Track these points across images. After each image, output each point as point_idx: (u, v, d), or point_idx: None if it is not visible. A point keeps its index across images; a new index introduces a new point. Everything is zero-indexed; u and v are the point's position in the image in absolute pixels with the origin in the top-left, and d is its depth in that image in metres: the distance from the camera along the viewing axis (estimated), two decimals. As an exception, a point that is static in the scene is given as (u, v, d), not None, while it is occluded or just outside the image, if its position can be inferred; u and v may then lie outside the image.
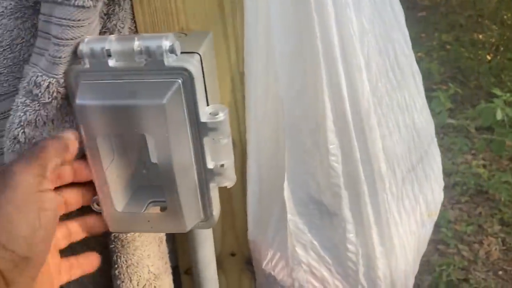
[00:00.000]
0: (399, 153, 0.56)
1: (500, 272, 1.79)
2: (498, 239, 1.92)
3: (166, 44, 0.37)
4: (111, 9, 0.43)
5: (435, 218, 0.64)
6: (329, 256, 0.59)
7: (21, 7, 0.42)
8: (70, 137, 0.41)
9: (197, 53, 0.42)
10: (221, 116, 0.41)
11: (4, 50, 0.43)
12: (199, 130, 0.41)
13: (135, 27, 0.50)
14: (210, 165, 0.43)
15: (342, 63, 0.49)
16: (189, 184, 0.42)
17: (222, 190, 0.62)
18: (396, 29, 0.54)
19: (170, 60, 0.38)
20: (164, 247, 0.58)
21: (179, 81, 0.38)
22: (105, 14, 0.43)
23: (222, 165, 0.43)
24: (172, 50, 0.38)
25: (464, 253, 1.88)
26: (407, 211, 0.59)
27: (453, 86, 2.25)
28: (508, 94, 2.02)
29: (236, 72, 0.53)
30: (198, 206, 0.45)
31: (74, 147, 0.41)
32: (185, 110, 0.39)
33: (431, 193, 0.61)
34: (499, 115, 1.92)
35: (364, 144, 0.53)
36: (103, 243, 0.56)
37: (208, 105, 0.43)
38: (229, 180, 0.44)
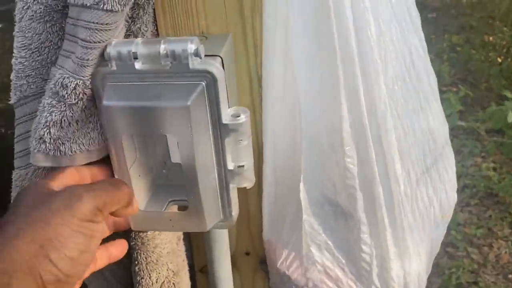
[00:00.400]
0: (413, 155, 0.57)
1: (510, 276, 1.78)
2: (508, 242, 1.91)
3: (191, 47, 0.38)
4: (136, 12, 0.44)
5: (448, 219, 0.64)
6: (343, 256, 0.59)
7: (50, 11, 0.43)
8: (135, 204, 0.45)
9: (219, 56, 0.43)
10: (243, 118, 0.41)
11: (32, 52, 0.44)
12: (221, 131, 0.42)
13: (157, 30, 0.51)
14: (231, 166, 0.44)
15: (359, 66, 0.50)
16: (210, 184, 0.43)
17: (238, 190, 0.63)
18: (413, 32, 0.55)
19: (194, 63, 0.39)
20: (182, 245, 0.60)
21: (203, 83, 0.39)
22: (130, 18, 0.44)
23: (242, 166, 0.44)
24: (196, 54, 0.39)
25: (474, 256, 1.87)
26: (421, 213, 0.59)
27: (463, 88, 2.24)
28: (519, 97, 2.01)
29: (255, 74, 0.54)
30: (218, 206, 0.46)
31: (134, 209, 0.45)
32: (208, 112, 0.40)
33: (445, 195, 0.61)
34: (510, 118, 1.91)
35: (379, 146, 0.54)
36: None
37: (229, 107, 0.44)
38: (249, 181, 0.45)
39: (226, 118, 0.41)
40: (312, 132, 0.55)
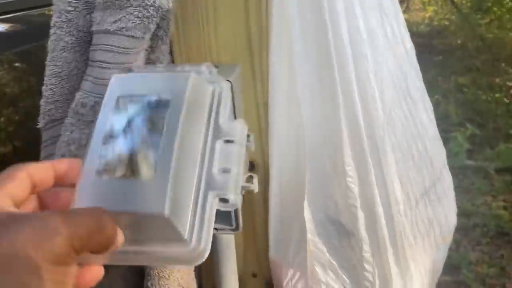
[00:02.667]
0: (412, 178, 0.60)
1: (524, 316, 1.74)
2: (521, 282, 1.88)
3: (204, 70, 0.43)
4: (155, 43, 0.50)
5: (449, 242, 0.66)
6: (347, 275, 0.61)
7: (80, 41, 0.49)
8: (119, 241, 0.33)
9: (228, 80, 0.48)
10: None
11: (62, 79, 0.50)
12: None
13: (173, 60, 0.57)
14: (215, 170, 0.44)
15: (358, 94, 0.55)
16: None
17: (245, 211, 0.66)
18: (407, 63, 0.59)
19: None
20: (191, 264, 0.62)
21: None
22: (149, 47, 0.50)
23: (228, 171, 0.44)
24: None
25: (487, 296, 1.83)
26: (422, 234, 0.62)
27: (470, 127, 2.27)
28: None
29: (261, 101, 0.59)
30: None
31: (117, 246, 0.33)
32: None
33: (445, 217, 0.64)
34: (518, 156, 1.93)
35: (379, 168, 0.57)
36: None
37: None
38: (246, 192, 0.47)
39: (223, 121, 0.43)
40: (315, 154, 0.58)
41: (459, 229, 2.14)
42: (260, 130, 0.61)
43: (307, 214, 0.60)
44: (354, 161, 0.57)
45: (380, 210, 0.58)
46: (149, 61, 0.51)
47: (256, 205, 0.65)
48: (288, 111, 0.59)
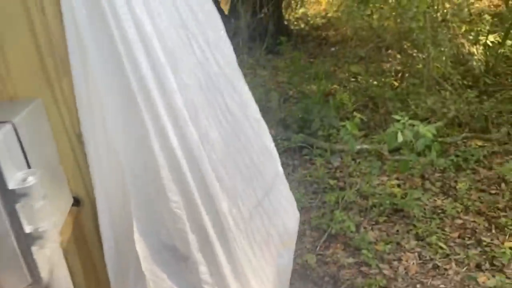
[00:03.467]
0: (242, 191, 0.60)
1: (418, 286, 1.87)
2: (415, 254, 2.02)
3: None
4: None
5: (292, 247, 0.68)
6: (191, 299, 0.60)
7: None
8: None
9: (9, 122, 0.44)
10: (31, 181, 0.42)
11: None
12: (11, 197, 0.42)
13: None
14: (28, 229, 0.44)
15: (167, 117, 0.53)
16: (6, 251, 0.43)
17: (81, 247, 0.63)
18: (223, 80, 0.59)
19: None
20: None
21: None
22: None
23: (40, 229, 0.44)
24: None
25: (385, 271, 1.95)
26: (259, 245, 0.62)
27: (358, 114, 2.40)
28: (406, 118, 2.18)
29: (72, 133, 0.56)
30: (22, 271, 0.45)
31: None
32: None
33: (283, 225, 0.65)
34: (399, 138, 2.06)
35: (203, 188, 0.56)
36: None
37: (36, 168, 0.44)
38: (51, 242, 0.45)
39: (13, 183, 0.42)
40: (138, 183, 0.56)
41: (359, 211, 2.23)
42: (78, 162, 0.57)
43: (138, 243, 0.57)
44: (176, 185, 0.55)
45: (211, 230, 0.57)
46: None
47: (90, 242, 0.61)
48: (106, 142, 0.56)
